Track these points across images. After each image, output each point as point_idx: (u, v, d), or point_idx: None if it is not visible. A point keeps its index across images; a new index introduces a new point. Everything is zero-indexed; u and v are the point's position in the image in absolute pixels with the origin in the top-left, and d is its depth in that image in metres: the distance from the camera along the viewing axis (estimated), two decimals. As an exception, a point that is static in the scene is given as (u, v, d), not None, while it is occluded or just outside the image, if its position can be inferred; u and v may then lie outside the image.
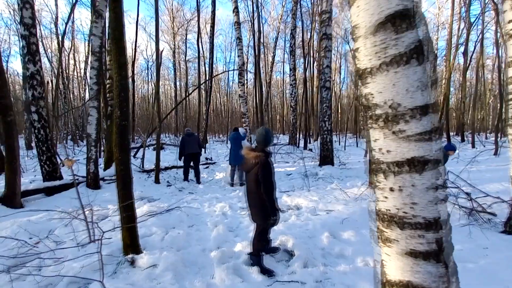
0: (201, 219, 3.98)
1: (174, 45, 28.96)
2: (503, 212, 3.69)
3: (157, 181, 6.24)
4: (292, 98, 16.09)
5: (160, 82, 37.69)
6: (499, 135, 11.85)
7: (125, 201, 2.61)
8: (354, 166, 8.51)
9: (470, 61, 18.43)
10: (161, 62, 14.26)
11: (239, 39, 9.25)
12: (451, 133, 16.96)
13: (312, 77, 19.25)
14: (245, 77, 9.24)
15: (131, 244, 2.63)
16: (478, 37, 18.94)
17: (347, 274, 2.37)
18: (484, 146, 13.37)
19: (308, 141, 17.98)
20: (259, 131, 2.57)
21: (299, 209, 4.26)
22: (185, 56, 26.39)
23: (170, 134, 29.05)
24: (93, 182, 5.37)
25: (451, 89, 18.83)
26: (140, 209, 4.05)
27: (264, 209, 2.48)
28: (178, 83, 30.32)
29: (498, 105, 23.51)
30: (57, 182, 5.19)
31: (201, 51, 17.49)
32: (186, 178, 6.91)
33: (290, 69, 16.22)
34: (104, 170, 6.47)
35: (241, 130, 6.83)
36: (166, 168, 7.85)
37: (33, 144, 12.02)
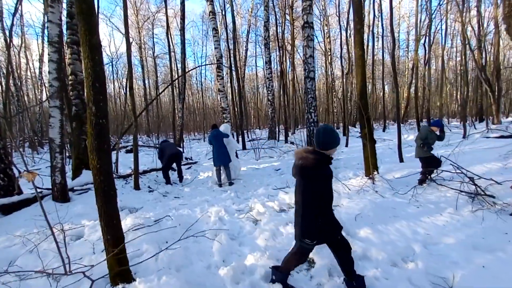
0: (197, 227, 3.51)
1: (140, 40, 27.28)
2: (500, 193, 3.71)
3: (136, 187, 5.60)
4: (269, 92, 15.81)
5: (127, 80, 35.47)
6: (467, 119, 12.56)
7: (109, 219, 2.10)
8: (339, 156, 8.47)
9: (430, 51, 19.51)
10: (131, 53, 13.20)
11: (215, 29, 8.66)
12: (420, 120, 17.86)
13: (286, 69, 19.12)
14: (224, 71, 8.70)
15: (120, 271, 2.13)
16: (436, 28, 20.08)
17: (379, 280, 2.11)
18: (450, 131, 14.21)
19: (289, 134, 17.95)
20: (317, 129, 1.98)
21: (301, 207, 3.98)
22: (153, 52, 24.92)
23: (142, 135, 27.45)
24: (61, 194, 4.62)
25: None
26: (123, 222, 3.48)
27: (306, 225, 1.90)
28: (147, 81, 28.63)
29: (459, 92, 25.29)
30: (15, 198, 4.38)
31: (171, 46, 16.49)
32: (168, 181, 6.33)
33: (266, 62, 15.90)
34: (73, 179, 5.67)
35: (225, 126, 6.38)
36: (145, 172, 7.16)
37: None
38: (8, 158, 4.49)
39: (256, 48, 28.46)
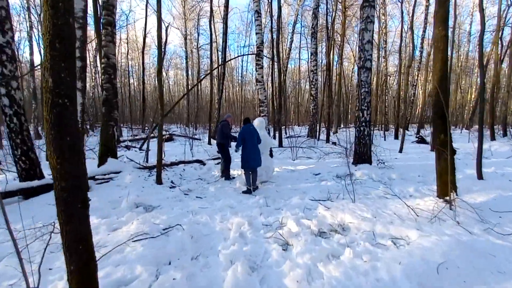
0: (211, 243, 2.82)
1: (186, 31, 27.78)
2: None
3: (159, 181, 5.14)
4: (312, 86, 14.60)
5: (173, 72, 36.39)
6: None
7: (73, 243, 1.46)
8: (395, 164, 7.09)
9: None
10: (167, 36, 13.07)
11: (257, 13, 7.86)
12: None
13: (332, 62, 17.55)
14: (264, 59, 7.90)
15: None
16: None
17: None
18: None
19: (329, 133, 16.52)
20: None
21: (346, 231, 3.02)
22: (197, 43, 25.14)
23: (181, 125, 28.22)
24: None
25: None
26: (127, 228, 2.94)
27: None
28: (190, 72, 29.21)
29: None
30: (35, 183, 4.18)
31: (213, 35, 16.18)
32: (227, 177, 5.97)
33: (311, 54, 14.67)
34: (98, 166, 5.44)
35: (259, 120, 5.56)
36: (172, 164, 6.76)
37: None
38: (31, 140, 4.29)
39: (300, 40, 27.07)
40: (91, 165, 6.06)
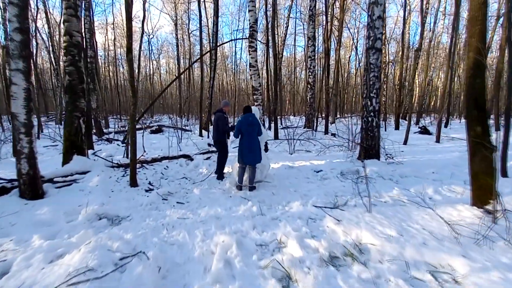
0: (185, 279, 2.06)
1: (176, 16, 26.33)
2: None
3: (133, 183, 4.32)
4: (310, 73, 13.73)
5: (164, 60, 34.78)
6: None
7: None
8: (400, 158, 6.39)
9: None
10: (144, 13, 11.85)
11: (250, -13, 6.92)
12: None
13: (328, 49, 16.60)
14: (258, 43, 6.98)
15: None
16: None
17: None
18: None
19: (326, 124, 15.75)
20: None
21: (365, 255, 2.29)
22: (188, 28, 23.80)
23: (175, 116, 27.05)
24: (29, 188, 3.49)
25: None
26: (70, 258, 2.14)
27: None
28: (182, 61, 27.89)
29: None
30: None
31: (204, 18, 15.02)
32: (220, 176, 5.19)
33: (309, 38, 13.74)
34: (62, 165, 4.59)
35: (254, 109, 4.74)
36: (154, 161, 5.93)
37: None
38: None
39: (295, 26, 25.76)
40: (53, 164, 5.22)
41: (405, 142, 9.15)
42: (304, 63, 23.68)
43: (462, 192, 3.90)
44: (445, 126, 15.19)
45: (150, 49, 29.65)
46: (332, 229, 2.76)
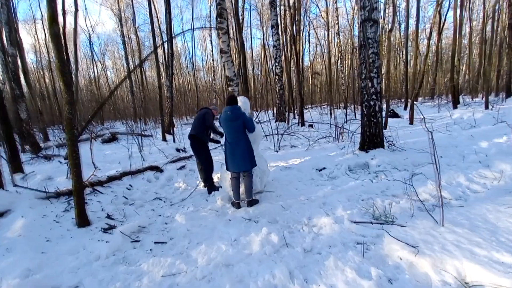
0: None
1: (120, 10, 23.46)
2: None
3: (82, 221, 2.91)
4: (277, 63, 12.94)
5: (110, 62, 31.18)
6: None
7: None
8: (398, 143, 5.84)
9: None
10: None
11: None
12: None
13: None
14: (227, 22, 5.80)
15: None
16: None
17: None
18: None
19: (294, 116, 15.22)
20: None
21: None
22: (134, 22, 21.25)
23: (131, 121, 24.07)
24: None
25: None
26: None
27: None
28: (131, 60, 25.06)
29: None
30: None
31: (152, 9, 13.17)
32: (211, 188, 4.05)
33: (272, 27, 12.89)
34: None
35: (242, 99, 3.62)
36: (111, 180, 4.47)
37: None
38: None
39: (250, 18, 24.71)
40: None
41: (385, 127, 8.86)
42: (262, 54, 22.95)
43: (497, 178, 3.37)
44: (405, 109, 15.84)
45: (92, 48, 26.12)
46: (409, 261, 1.86)
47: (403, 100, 18.67)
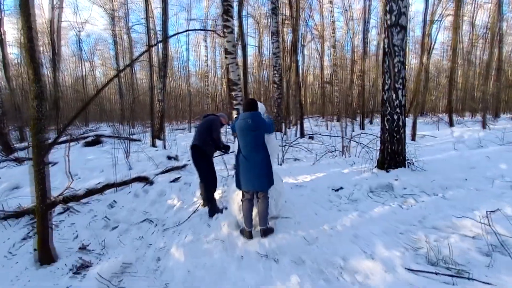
0: None
1: (112, 8, 22.65)
2: None
3: (46, 257, 2.17)
4: (276, 71, 12.52)
5: (99, 62, 30.02)
6: None
7: None
8: (420, 158, 5.32)
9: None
10: None
11: None
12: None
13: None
14: (233, 20, 5.26)
15: None
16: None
17: None
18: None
19: (288, 126, 14.74)
20: None
21: None
22: (127, 21, 20.48)
23: (117, 123, 22.78)
24: None
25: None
26: None
27: None
28: (121, 61, 24.05)
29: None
30: None
31: (149, 8, 12.54)
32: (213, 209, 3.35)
33: (273, 34, 12.52)
34: None
35: (260, 105, 3.02)
36: (91, 193, 3.71)
37: None
38: None
39: (247, 26, 24.38)
40: None
41: (413, 138, 8.54)
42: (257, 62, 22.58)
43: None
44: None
45: (81, 47, 24.96)
46: None
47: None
